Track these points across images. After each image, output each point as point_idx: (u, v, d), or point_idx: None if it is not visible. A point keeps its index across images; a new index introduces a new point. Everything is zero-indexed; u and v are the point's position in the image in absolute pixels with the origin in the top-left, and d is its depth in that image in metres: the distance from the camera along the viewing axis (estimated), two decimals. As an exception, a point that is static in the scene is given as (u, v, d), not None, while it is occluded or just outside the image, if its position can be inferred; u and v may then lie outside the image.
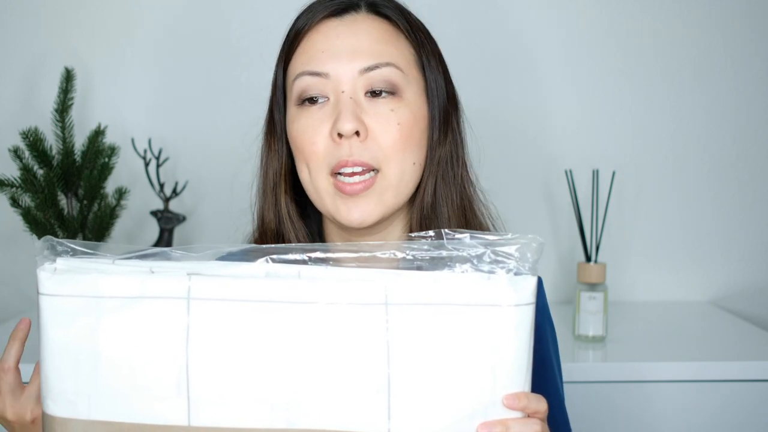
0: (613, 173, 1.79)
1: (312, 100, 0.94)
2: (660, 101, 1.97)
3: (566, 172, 1.75)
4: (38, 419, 0.86)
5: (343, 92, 0.93)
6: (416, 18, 1.00)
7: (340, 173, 0.93)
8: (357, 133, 0.92)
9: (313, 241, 1.02)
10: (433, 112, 0.98)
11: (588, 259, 1.69)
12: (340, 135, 0.92)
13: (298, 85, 0.95)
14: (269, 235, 1.01)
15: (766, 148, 1.98)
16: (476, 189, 1.03)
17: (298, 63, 0.96)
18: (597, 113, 1.96)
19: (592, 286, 1.64)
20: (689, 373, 1.51)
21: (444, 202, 0.98)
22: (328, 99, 0.94)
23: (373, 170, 0.93)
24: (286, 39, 0.99)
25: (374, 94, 0.93)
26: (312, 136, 0.94)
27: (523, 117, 1.94)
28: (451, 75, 1.03)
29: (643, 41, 1.95)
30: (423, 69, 0.98)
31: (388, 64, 0.93)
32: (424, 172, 0.98)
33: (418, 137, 0.96)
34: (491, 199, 1.05)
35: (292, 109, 0.96)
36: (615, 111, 1.96)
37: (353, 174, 0.92)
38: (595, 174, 1.72)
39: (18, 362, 0.89)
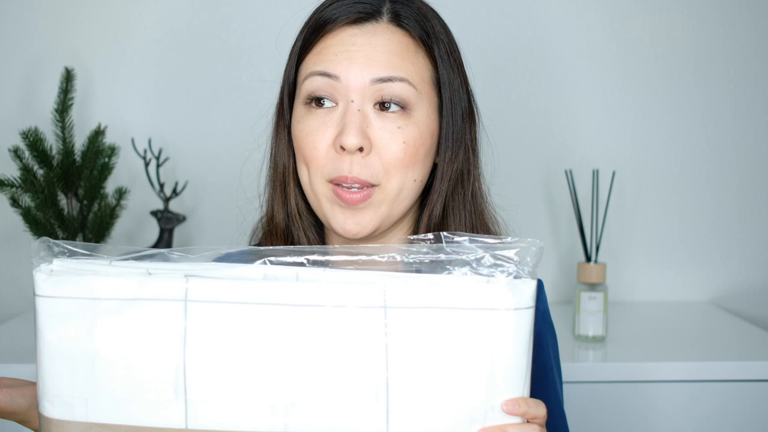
0: (613, 173, 1.79)
1: (320, 102, 0.93)
2: (660, 101, 1.96)
3: (566, 172, 1.75)
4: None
5: (352, 102, 0.91)
6: (441, 27, 0.97)
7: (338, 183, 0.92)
8: (361, 148, 0.90)
9: (321, 236, 1.01)
10: (447, 130, 0.96)
11: (588, 259, 1.69)
12: (342, 147, 0.90)
13: (308, 85, 0.93)
14: (279, 234, 1.00)
15: (766, 148, 1.98)
16: (488, 203, 1.02)
17: (310, 62, 0.94)
18: (597, 113, 1.96)
19: (592, 286, 1.64)
20: (689, 373, 1.51)
21: (453, 220, 0.97)
22: (337, 104, 0.92)
23: (371, 185, 0.92)
24: (302, 33, 0.96)
25: (383, 107, 0.91)
26: (315, 141, 0.92)
27: (522, 117, 1.94)
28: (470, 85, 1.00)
29: (643, 41, 1.95)
30: (439, 86, 0.95)
31: (401, 80, 0.91)
32: (433, 189, 0.97)
33: (424, 155, 0.94)
34: (498, 204, 1.04)
35: (300, 108, 0.95)
36: (615, 111, 1.96)
37: (351, 186, 0.92)
38: (595, 174, 1.72)
39: None
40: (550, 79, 1.95)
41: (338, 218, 0.93)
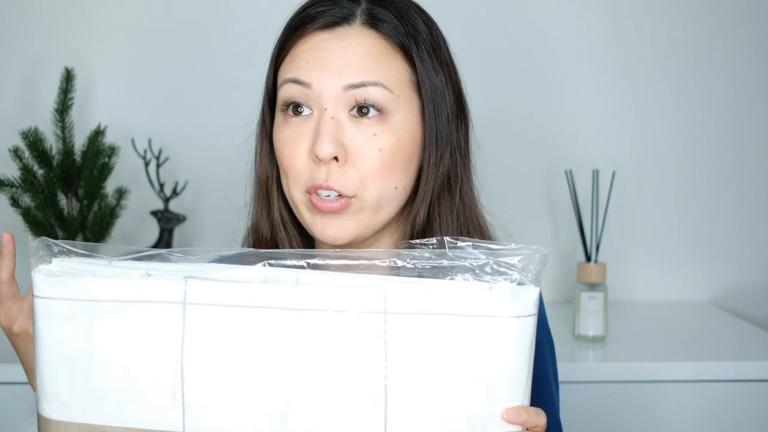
0: (613, 173, 1.79)
1: (295, 110, 0.91)
2: (660, 101, 1.96)
3: (566, 172, 1.75)
4: (23, 333, 0.89)
5: (325, 110, 0.89)
6: (424, 25, 0.93)
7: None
8: (336, 157, 0.88)
9: (308, 247, 0.99)
10: (430, 133, 0.92)
11: (588, 259, 1.69)
12: (318, 157, 0.88)
13: (284, 92, 0.91)
14: (265, 245, 0.98)
15: (766, 148, 1.98)
16: (479, 208, 0.98)
17: (285, 69, 0.92)
18: (597, 113, 1.96)
19: (592, 286, 1.64)
20: (689, 373, 1.51)
21: (440, 226, 0.94)
22: (312, 112, 0.90)
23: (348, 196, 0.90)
24: (277, 41, 0.95)
25: (359, 112, 0.89)
26: (292, 151, 0.90)
27: (522, 117, 1.94)
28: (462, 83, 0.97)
29: (643, 41, 1.95)
30: (419, 88, 0.92)
31: (375, 84, 0.88)
32: (417, 194, 0.94)
33: (404, 162, 0.91)
34: (493, 205, 1.02)
35: (278, 116, 0.93)
36: (615, 111, 1.96)
37: (329, 195, 0.89)
38: (595, 174, 1.72)
39: (11, 275, 0.92)
40: (549, 78, 1.95)
41: (318, 225, 0.91)
